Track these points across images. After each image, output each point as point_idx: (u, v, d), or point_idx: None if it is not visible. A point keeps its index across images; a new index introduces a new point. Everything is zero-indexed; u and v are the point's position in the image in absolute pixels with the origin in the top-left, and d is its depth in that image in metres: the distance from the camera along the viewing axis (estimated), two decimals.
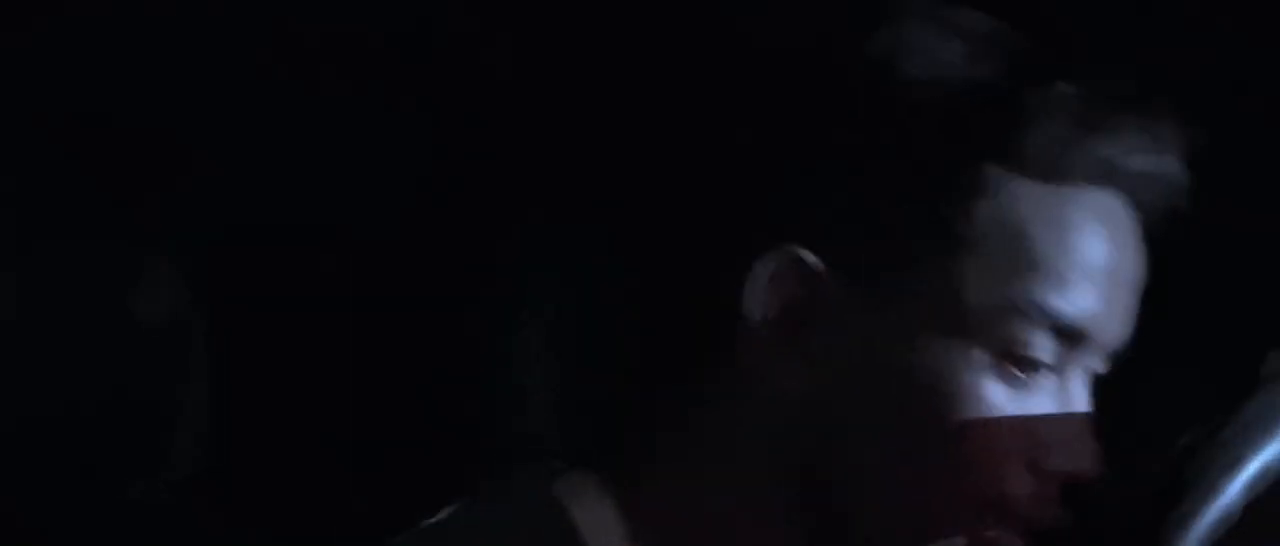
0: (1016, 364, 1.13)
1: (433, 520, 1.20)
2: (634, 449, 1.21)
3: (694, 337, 1.18)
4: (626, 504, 1.22)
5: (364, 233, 1.52)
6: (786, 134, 1.14)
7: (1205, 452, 1.09)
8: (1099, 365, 1.17)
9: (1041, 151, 1.14)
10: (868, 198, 1.13)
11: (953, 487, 1.12)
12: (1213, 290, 1.51)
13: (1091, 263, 1.15)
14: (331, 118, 1.54)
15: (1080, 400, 1.17)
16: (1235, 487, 1.08)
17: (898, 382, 1.13)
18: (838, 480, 1.14)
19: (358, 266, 1.53)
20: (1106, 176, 1.15)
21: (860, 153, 1.13)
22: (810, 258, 1.13)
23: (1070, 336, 1.14)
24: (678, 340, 1.19)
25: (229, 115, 1.56)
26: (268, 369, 1.53)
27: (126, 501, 1.48)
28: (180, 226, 1.52)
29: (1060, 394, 1.16)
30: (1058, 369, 1.15)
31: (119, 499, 1.48)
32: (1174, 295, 1.52)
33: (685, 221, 1.18)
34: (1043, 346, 1.13)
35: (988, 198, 1.13)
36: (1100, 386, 1.35)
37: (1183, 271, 1.52)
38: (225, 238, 1.54)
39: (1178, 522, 1.08)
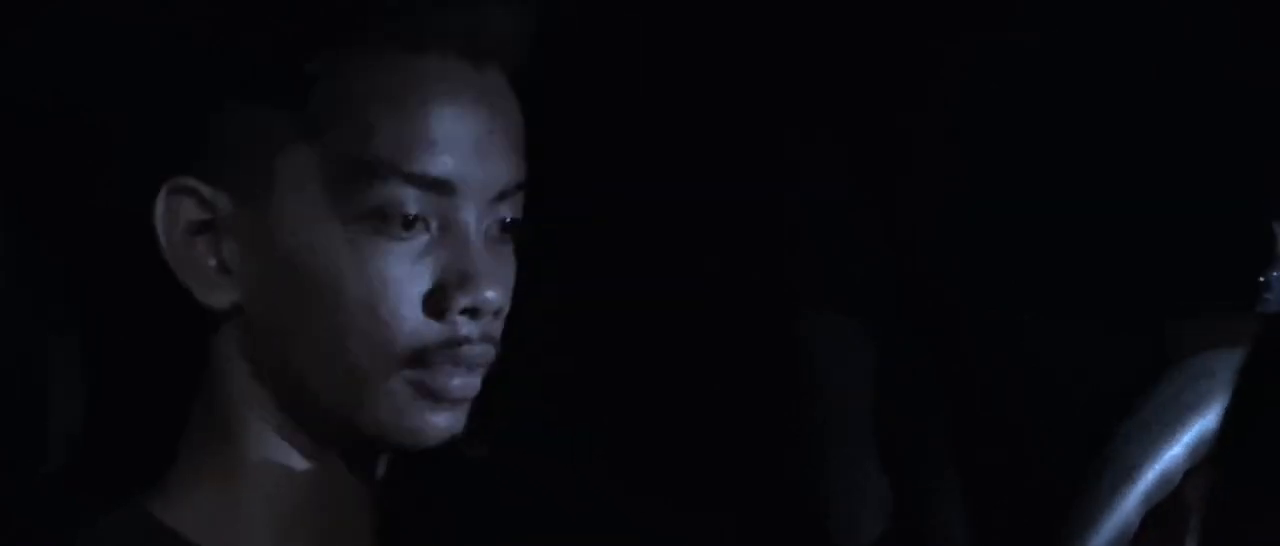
0: (396, 223, 1.26)
1: None
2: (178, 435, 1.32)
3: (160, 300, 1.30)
4: (193, 487, 1.32)
5: None
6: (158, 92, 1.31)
7: (1097, 463, 1.06)
8: (502, 209, 1.30)
9: (375, 29, 1.27)
10: (223, 120, 1.27)
11: (370, 350, 1.26)
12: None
13: (441, 122, 1.28)
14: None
15: (469, 241, 1.29)
16: (1131, 501, 1.04)
17: (296, 272, 1.27)
18: (289, 366, 1.29)
19: None
20: (432, 42, 1.28)
21: (208, 88, 1.28)
22: (197, 184, 1.27)
23: (438, 189, 1.27)
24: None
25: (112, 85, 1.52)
26: (146, 356, 1.49)
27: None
28: (47, 206, 1.48)
29: (449, 239, 1.28)
30: (440, 217, 1.28)
31: None
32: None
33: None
34: (412, 202, 1.26)
35: (323, 82, 1.26)
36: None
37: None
38: (103, 222, 1.50)
39: (1071, 539, 1.04)
